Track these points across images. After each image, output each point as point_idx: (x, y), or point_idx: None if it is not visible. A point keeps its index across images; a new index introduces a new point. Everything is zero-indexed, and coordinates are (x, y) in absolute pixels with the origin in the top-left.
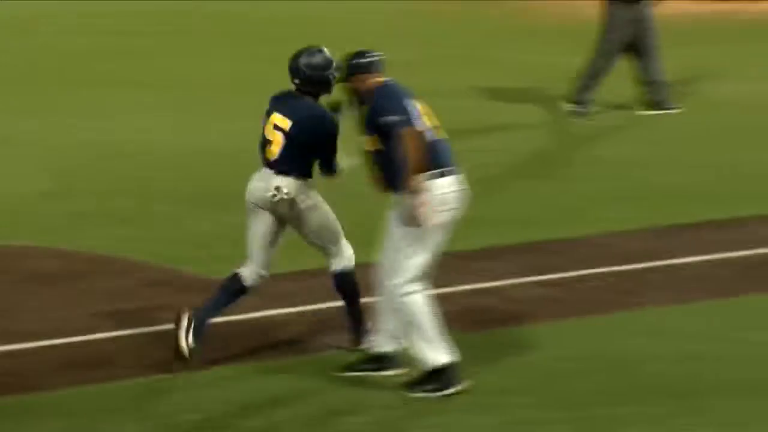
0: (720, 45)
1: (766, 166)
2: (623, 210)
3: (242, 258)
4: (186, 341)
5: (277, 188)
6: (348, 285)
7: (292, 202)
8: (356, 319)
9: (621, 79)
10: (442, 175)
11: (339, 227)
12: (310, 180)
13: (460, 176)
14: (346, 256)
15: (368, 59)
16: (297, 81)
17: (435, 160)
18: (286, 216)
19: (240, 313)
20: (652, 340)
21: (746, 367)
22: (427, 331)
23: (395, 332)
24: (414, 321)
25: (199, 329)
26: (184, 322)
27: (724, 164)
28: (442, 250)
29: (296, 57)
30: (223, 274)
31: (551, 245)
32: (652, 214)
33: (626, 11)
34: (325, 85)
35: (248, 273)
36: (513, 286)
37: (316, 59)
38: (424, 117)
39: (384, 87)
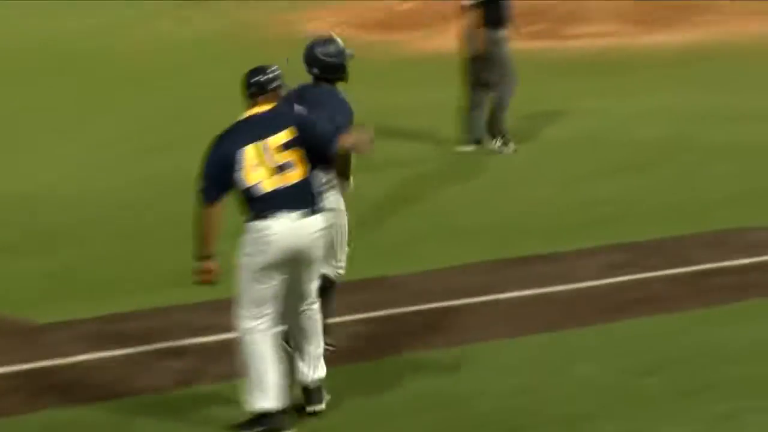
0: (552, 80)
1: (598, 201)
2: (458, 245)
3: (64, 297)
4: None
5: None
6: None
7: None
8: None
9: (443, 114)
10: (265, 218)
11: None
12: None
13: (301, 216)
14: None
15: (257, 81)
16: (315, 70)
17: (261, 206)
18: None
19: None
20: (483, 375)
21: (572, 400)
22: (258, 372)
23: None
24: (246, 360)
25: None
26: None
27: (557, 200)
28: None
29: (311, 48)
30: (39, 320)
31: (385, 281)
32: (485, 249)
33: (492, 35)
34: (341, 71)
35: (328, 270)
36: (344, 323)
37: (331, 47)
38: (256, 167)
39: (232, 127)
